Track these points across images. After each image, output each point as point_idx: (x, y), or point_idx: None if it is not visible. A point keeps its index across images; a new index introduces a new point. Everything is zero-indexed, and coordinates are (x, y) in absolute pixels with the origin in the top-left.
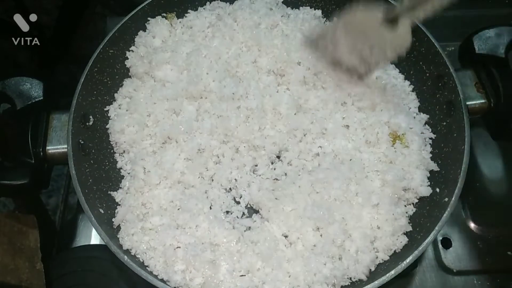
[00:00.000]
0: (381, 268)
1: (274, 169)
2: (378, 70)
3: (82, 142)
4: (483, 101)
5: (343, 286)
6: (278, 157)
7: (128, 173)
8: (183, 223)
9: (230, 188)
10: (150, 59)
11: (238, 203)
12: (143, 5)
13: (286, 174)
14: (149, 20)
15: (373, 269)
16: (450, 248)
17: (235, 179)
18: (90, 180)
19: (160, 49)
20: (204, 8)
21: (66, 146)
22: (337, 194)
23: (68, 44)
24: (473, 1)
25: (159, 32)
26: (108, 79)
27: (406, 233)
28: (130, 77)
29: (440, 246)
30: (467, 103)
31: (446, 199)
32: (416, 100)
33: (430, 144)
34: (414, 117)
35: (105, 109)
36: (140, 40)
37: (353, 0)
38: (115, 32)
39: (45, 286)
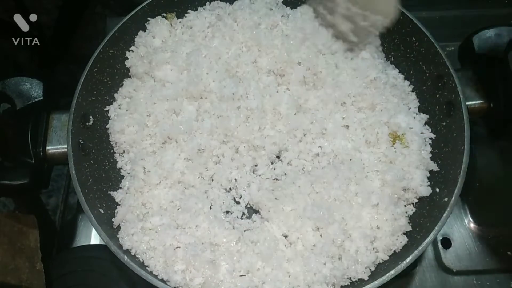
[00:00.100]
0: (381, 268)
1: (274, 169)
2: (366, 44)
3: (82, 142)
4: (483, 101)
5: (343, 286)
6: (278, 157)
7: (128, 173)
8: (183, 223)
9: (230, 188)
10: (150, 59)
11: (238, 203)
12: (143, 5)
13: (286, 174)
14: (149, 20)
15: (373, 269)
16: (450, 248)
17: (235, 179)
18: (90, 180)
19: (160, 49)
20: (204, 8)
21: (66, 146)
22: (337, 194)
23: (68, 44)
24: (473, 1)
25: (159, 32)
26: (108, 79)
27: (406, 233)
28: (130, 77)
29: (440, 246)
30: (467, 103)
31: (446, 199)
32: (416, 100)
33: (430, 144)
34: (414, 117)
35: (105, 109)
36: (140, 40)
37: None
38: (115, 32)
39: (45, 286)
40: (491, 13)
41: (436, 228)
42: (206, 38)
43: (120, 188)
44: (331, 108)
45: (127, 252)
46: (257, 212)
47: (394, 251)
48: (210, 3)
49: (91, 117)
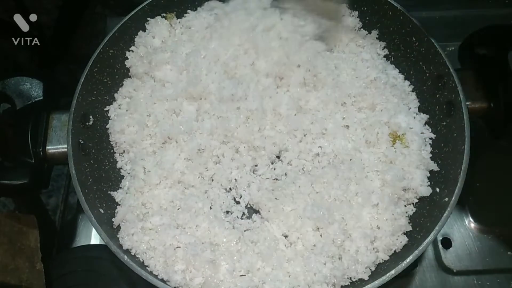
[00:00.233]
0: (381, 268)
1: (274, 169)
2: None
3: (82, 142)
4: (483, 101)
5: (343, 286)
6: (278, 157)
7: (128, 173)
8: (183, 223)
9: (230, 188)
10: (150, 59)
11: (238, 203)
12: (143, 5)
13: (286, 174)
14: (148, 20)
15: (373, 269)
16: (450, 248)
17: (235, 179)
18: (90, 180)
19: (159, 49)
20: (202, 8)
21: (66, 146)
22: (337, 194)
23: (68, 44)
24: (473, 1)
25: (158, 32)
26: (108, 79)
27: (406, 233)
28: (130, 77)
29: (440, 246)
30: (467, 103)
31: (446, 199)
32: (416, 100)
33: (430, 144)
34: (414, 117)
35: (105, 109)
36: (140, 40)
37: None
38: (115, 32)
39: (45, 286)
40: (491, 13)
41: (436, 228)
42: (205, 39)
43: (120, 188)
44: (332, 108)
45: (127, 252)
46: (257, 212)
47: (394, 251)
48: (207, 2)
49: (91, 117)
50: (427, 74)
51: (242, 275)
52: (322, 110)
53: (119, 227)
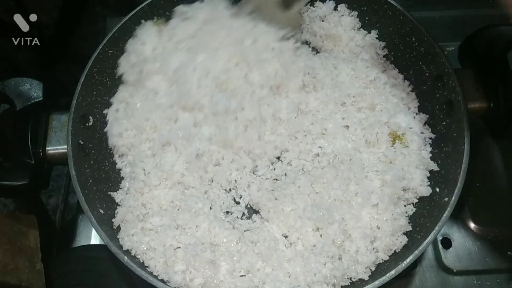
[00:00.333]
0: (381, 268)
1: (274, 169)
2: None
3: (82, 143)
4: (483, 101)
5: (343, 286)
6: (278, 157)
7: (128, 175)
8: (183, 223)
9: (230, 189)
10: (140, 68)
11: (238, 203)
12: (143, 5)
13: (286, 175)
14: (136, 29)
15: (373, 269)
16: (450, 248)
17: (235, 180)
18: (90, 181)
19: (150, 58)
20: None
21: (66, 146)
22: (336, 194)
23: (68, 44)
24: (473, 1)
25: (148, 39)
26: (108, 79)
27: (406, 233)
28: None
29: (440, 246)
30: (467, 103)
31: (446, 199)
32: (416, 100)
33: (430, 144)
34: (414, 117)
35: (104, 112)
36: (130, 47)
37: None
38: (115, 32)
39: (45, 286)
40: (491, 13)
41: (436, 228)
42: (191, 50)
43: (120, 188)
44: (331, 108)
45: (127, 252)
46: (257, 212)
47: (394, 251)
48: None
49: (91, 117)
50: (427, 74)
51: (242, 276)
52: (322, 111)
53: (119, 227)
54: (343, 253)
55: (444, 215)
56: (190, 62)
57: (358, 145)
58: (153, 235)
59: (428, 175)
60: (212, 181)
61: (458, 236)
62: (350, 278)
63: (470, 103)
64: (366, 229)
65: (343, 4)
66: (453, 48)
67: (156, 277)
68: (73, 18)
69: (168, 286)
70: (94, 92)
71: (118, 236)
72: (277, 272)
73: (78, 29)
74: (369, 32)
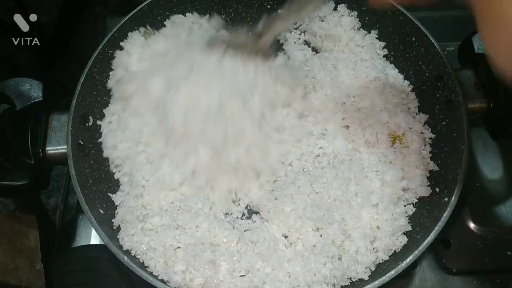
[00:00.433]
0: (381, 268)
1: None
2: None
3: (82, 143)
4: (482, 101)
5: (343, 286)
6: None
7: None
8: (183, 223)
9: (230, 190)
10: (124, 88)
11: (238, 204)
12: (143, 5)
13: (286, 175)
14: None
15: (373, 269)
16: (450, 248)
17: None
18: (90, 181)
19: (134, 76)
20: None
21: (65, 146)
22: (336, 194)
23: (68, 44)
24: None
25: (134, 49)
26: (107, 79)
27: (406, 233)
28: None
29: (440, 246)
30: (467, 103)
31: (446, 199)
32: (416, 100)
33: (429, 144)
34: (414, 117)
35: (98, 124)
36: (117, 60)
37: None
38: (115, 32)
39: (45, 286)
40: None
41: (436, 228)
42: (171, 80)
43: (120, 190)
44: (332, 108)
45: (127, 252)
46: (257, 212)
47: (394, 251)
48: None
49: (90, 117)
50: (427, 74)
51: (242, 276)
52: (323, 111)
53: (119, 227)
54: (343, 253)
55: (444, 215)
56: (174, 86)
57: (358, 145)
58: (153, 235)
59: (428, 175)
60: (212, 187)
61: (458, 236)
62: (350, 278)
63: (470, 103)
64: (366, 229)
65: (343, 4)
66: (453, 48)
67: (156, 277)
68: (73, 18)
69: (168, 286)
70: (94, 92)
71: (118, 236)
72: (277, 272)
73: (78, 29)
74: (369, 32)
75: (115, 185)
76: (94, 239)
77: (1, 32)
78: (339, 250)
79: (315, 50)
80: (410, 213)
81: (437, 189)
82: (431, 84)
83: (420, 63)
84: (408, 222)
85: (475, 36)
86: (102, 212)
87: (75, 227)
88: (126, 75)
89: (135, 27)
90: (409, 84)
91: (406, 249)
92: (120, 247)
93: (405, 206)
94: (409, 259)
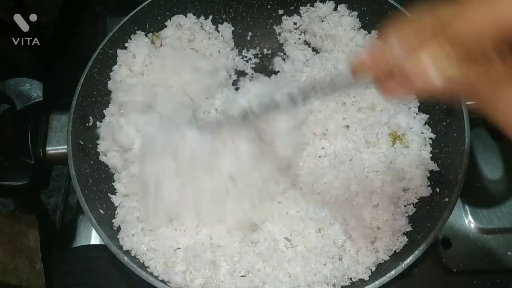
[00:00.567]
0: (381, 268)
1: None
2: None
3: (82, 143)
4: None
5: (343, 286)
6: None
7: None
8: (184, 224)
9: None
10: (120, 99)
11: None
12: (143, 5)
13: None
14: (129, 40)
15: (373, 269)
16: (450, 248)
17: None
18: (90, 181)
19: (133, 88)
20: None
21: (66, 146)
22: (338, 195)
23: (68, 44)
24: None
25: (138, 50)
26: (108, 80)
27: (406, 233)
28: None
29: (440, 246)
30: (467, 103)
31: (446, 199)
32: (416, 100)
33: (430, 144)
34: (414, 117)
35: (95, 133)
36: (121, 58)
37: None
38: (115, 33)
39: (45, 286)
40: None
41: (437, 228)
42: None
43: (119, 191)
44: (332, 108)
45: (127, 253)
46: None
47: (395, 251)
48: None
49: (91, 117)
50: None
51: (242, 276)
52: (323, 111)
53: (119, 228)
54: (343, 253)
55: (444, 215)
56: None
57: (358, 145)
58: (154, 236)
59: (428, 175)
60: None
61: (458, 236)
62: (350, 278)
63: (470, 103)
64: (367, 229)
65: (343, 5)
66: None
67: (156, 277)
68: (73, 18)
69: (169, 286)
70: (94, 92)
71: (118, 237)
72: (277, 272)
73: (78, 29)
74: (370, 32)
75: (115, 186)
76: (94, 239)
77: (1, 32)
78: (340, 251)
79: (315, 50)
80: (410, 213)
81: (437, 189)
82: None
83: None
84: (408, 222)
85: None
86: (102, 212)
87: (75, 227)
88: (125, 86)
89: (136, 27)
90: None
91: (406, 249)
92: (120, 247)
93: (405, 206)
94: (409, 259)
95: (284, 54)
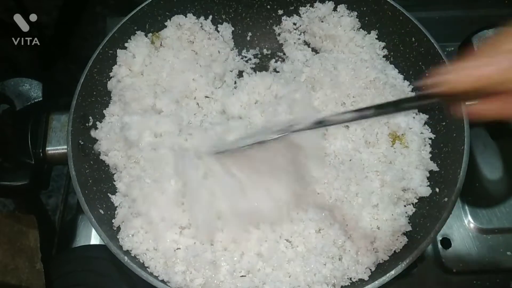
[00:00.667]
0: (381, 268)
1: None
2: None
3: (82, 143)
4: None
5: (343, 286)
6: None
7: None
8: (184, 224)
9: None
10: (122, 95)
11: None
12: (143, 5)
13: None
14: (130, 40)
15: (373, 269)
16: (450, 248)
17: None
18: (90, 181)
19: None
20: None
21: (65, 146)
22: (338, 195)
23: (68, 44)
24: (473, 1)
25: (139, 52)
26: (107, 80)
27: (406, 233)
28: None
29: (439, 246)
30: (467, 103)
31: (446, 199)
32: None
33: (429, 144)
34: (414, 117)
35: (92, 135)
36: (121, 58)
37: None
38: (115, 33)
39: (45, 286)
40: (491, 13)
41: (436, 228)
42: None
43: (119, 191)
44: (332, 108)
45: (127, 253)
46: None
47: (394, 251)
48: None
49: (90, 117)
50: (427, 74)
51: (242, 276)
52: (323, 111)
53: (119, 228)
54: (343, 253)
55: (444, 215)
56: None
57: (358, 145)
58: (153, 236)
59: (428, 175)
60: None
61: (458, 236)
62: (350, 278)
63: (470, 103)
64: (367, 230)
65: (343, 5)
66: (453, 48)
67: (156, 277)
68: (73, 18)
69: (169, 286)
70: (94, 92)
71: (118, 237)
72: (277, 272)
73: (78, 29)
74: (369, 33)
75: (115, 186)
76: (94, 239)
77: (1, 32)
78: (340, 251)
79: (315, 51)
80: (410, 213)
81: (437, 189)
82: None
83: (420, 63)
84: (408, 222)
85: (475, 36)
86: (102, 212)
87: (75, 227)
88: (126, 82)
89: (135, 27)
90: (408, 84)
91: (406, 249)
92: (120, 247)
93: (405, 206)
94: (409, 259)
95: (284, 54)
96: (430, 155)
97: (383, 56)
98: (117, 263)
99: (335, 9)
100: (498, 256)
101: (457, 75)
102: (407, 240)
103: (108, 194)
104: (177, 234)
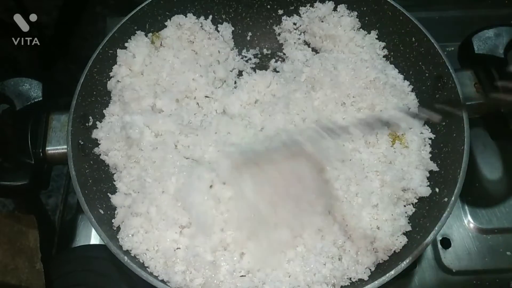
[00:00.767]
0: (381, 268)
1: None
2: None
3: (82, 143)
4: (482, 101)
5: (343, 286)
6: None
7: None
8: (184, 224)
9: None
10: (122, 94)
11: None
12: (143, 5)
13: None
14: (130, 40)
15: (373, 269)
16: (450, 248)
17: None
18: (90, 181)
19: (132, 86)
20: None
21: (65, 146)
22: (338, 195)
23: (68, 44)
24: (473, 1)
25: (139, 52)
26: (107, 79)
27: (405, 233)
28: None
29: (439, 246)
30: (467, 103)
31: (446, 199)
32: (416, 100)
33: (429, 144)
34: (414, 117)
35: (92, 135)
36: (121, 58)
37: None
38: (115, 33)
39: (44, 286)
40: (491, 13)
41: (436, 228)
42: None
43: (119, 191)
44: (332, 108)
45: (127, 253)
46: None
47: (394, 251)
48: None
49: (90, 117)
50: (427, 74)
51: (242, 276)
52: (323, 111)
53: (119, 228)
54: (343, 253)
55: (444, 215)
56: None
57: (358, 145)
58: (153, 236)
59: (428, 175)
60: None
61: (457, 236)
62: (350, 278)
63: (470, 103)
64: (366, 230)
65: (343, 5)
66: (453, 48)
67: (156, 277)
68: (73, 18)
69: (168, 286)
70: (94, 92)
71: (118, 236)
72: (277, 272)
73: (78, 29)
74: (369, 32)
75: (115, 185)
76: (94, 239)
77: (1, 32)
78: (340, 251)
79: (315, 51)
80: (410, 213)
81: (437, 189)
82: (431, 84)
83: (420, 63)
84: (408, 222)
85: (475, 36)
86: (102, 212)
87: (75, 227)
88: (126, 82)
89: (136, 27)
90: (409, 84)
91: (406, 249)
92: (120, 247)
93: (405, 206)
94: (409, 259)
95: (284, 54)
96: (430, 155)
97: (383, 56)
98: (117, 263)
99: (335, 9)
100: (498, 256)
101: None
102: (407, 240)
103: (108, 194)
104: (177, 234)
